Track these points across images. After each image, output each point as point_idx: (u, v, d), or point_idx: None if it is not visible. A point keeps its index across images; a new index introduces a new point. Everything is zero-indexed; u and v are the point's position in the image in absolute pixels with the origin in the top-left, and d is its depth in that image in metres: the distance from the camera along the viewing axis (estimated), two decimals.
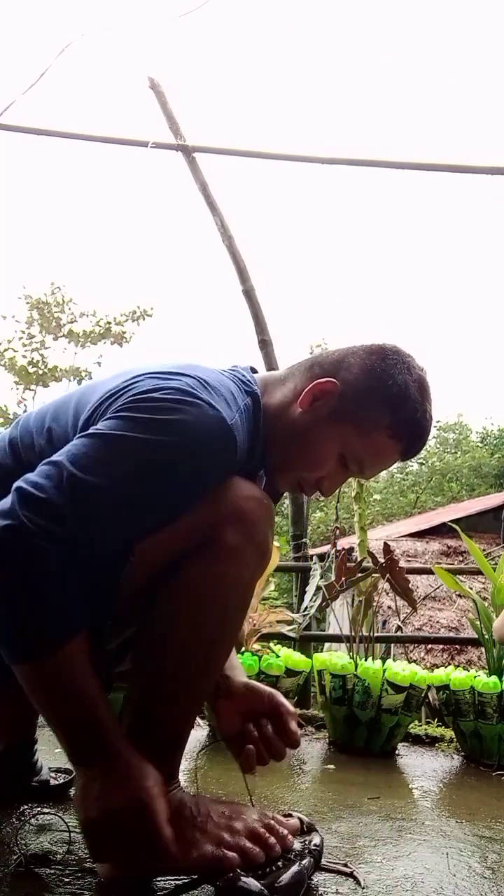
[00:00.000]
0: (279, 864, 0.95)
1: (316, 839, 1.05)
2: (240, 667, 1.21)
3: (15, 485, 0.88)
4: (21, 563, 0.84)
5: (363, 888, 1.03)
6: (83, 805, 0.88)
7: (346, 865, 1.07)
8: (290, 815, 1.09)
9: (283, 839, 0.98)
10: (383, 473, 20.67)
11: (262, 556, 1.02)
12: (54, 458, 0.91)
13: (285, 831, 1.00)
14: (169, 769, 1.00)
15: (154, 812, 0.85)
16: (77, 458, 0.90)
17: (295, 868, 0.94)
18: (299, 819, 1.09)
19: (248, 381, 1.13)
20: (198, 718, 2.11)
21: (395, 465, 1.24)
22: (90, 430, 0.94)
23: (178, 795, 0.99)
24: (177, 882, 0.94)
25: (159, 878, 0.95)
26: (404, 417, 1.10)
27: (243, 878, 0.87)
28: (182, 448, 0.92)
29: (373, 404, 1.09)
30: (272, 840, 0.96)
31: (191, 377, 0.99)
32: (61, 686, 0.88)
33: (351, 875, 1.05)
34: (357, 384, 1.10)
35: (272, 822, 1.01)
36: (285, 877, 0.91)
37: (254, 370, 1.20)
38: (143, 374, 1.01)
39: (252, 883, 0.86)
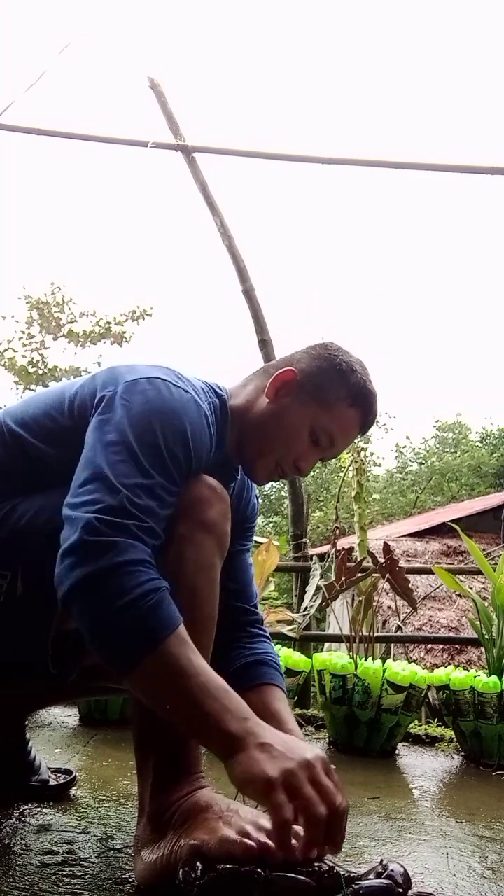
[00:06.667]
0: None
1: (365, 872, 0.93)
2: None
3: (71, 514, 0.95)
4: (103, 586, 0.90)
5: None
6: (258, 768, 0.84)
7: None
8: None
9: (305, 846, 0.92)
10: (383, 473, 20.70)
11: (214, 536, 1.08)
12: (88, 471, 0.98)
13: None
14: (188, 765, 1.01)
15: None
16: (107, 461, 0.98)
17: (298, 877, 0.87)
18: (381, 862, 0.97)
19: (218, 386, 1.26)
20: None
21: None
22: (94, 432, 1.03)
23: (207, 795, 1.00)
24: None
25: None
26: (356, 386, 1.25)
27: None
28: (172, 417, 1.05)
29: (328, 381, 1.24)
30: (294, 843, 0.91)
31: (166, 369, 1.13)
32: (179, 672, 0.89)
33: None
34: (310, 368, 1.26)
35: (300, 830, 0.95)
36: (278, 876, 0.86)
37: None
38: (123, 369, 1.13)
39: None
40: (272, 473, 1.26)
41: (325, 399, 1.23)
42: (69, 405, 1.14)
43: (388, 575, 2.38)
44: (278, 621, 2.44)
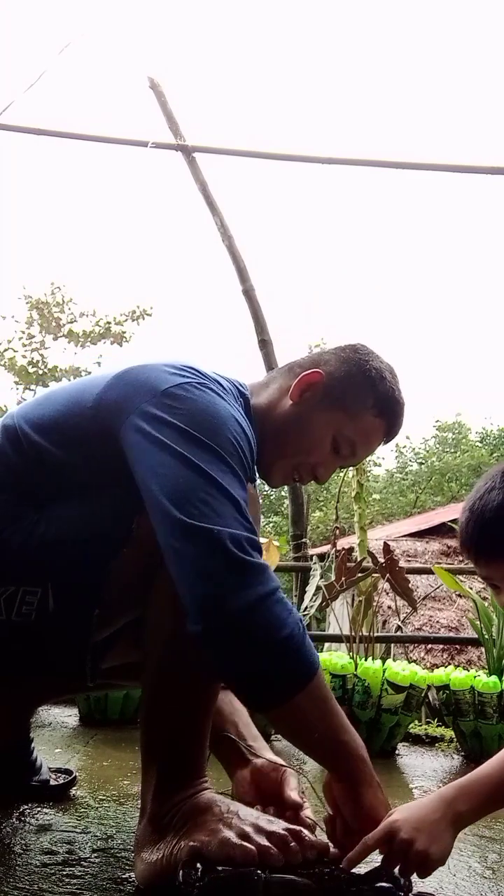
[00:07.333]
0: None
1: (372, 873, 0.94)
2: (263, 742, 1.21)
3: (195, 525, 0.89)
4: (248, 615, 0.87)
5: None
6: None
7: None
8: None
9: (307, 848, 0.93)
10: (383, 473, 20.69)
11: None
12: (195, 475, 0.92)
13: (311, 840, 0.95)
14: (193, 770, 1.01)
15: None
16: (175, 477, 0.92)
17: (294, 877, 0.87)
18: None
19: (239, 384, 1.20)
20: None
21: (380, 450, 1.29)
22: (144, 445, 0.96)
23: (208, 796, 0.99)
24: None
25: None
26: (385, 395, 1.20)
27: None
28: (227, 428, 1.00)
29: (356, 387, 1.19)
30: (294, 846, 0.92)
31: (192, 370, 1.06)
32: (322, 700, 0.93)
33: None
34: (338, 372, 1.20)
35: (300, 832, 0.96)
36: (278, 876, 0.86)
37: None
38: (150, 371, 1.05)
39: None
40: (288, 478, 1.22)
41: (350, 406, 1.18)
42: (93, 409, 1.06)
43: (388, 575, 2.37)
44: None
